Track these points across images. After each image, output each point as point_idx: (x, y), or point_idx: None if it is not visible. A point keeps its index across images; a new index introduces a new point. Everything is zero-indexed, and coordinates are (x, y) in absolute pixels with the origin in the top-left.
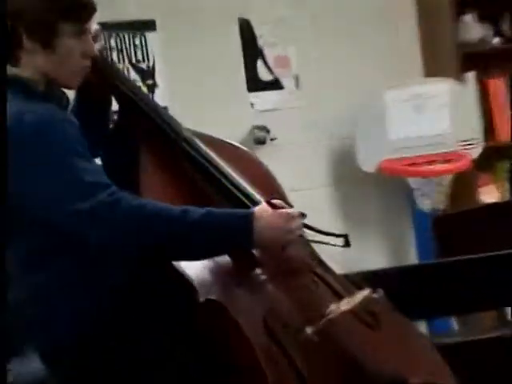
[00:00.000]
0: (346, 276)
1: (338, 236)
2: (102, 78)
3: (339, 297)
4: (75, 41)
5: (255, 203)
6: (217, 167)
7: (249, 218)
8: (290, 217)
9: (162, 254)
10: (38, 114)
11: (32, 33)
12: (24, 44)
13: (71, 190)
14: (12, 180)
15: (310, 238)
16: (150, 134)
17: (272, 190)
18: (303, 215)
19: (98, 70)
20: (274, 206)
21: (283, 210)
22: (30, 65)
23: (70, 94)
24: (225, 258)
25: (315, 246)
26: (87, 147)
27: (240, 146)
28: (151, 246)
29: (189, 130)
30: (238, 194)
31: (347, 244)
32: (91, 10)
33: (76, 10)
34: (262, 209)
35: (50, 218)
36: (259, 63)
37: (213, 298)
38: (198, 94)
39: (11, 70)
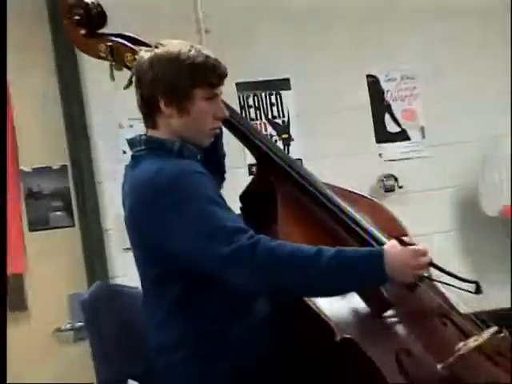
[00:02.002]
0: (471, 315)
1: (469, 282)
2: (238, 137)
3: (467, 335)
4: (207, 104)
5: (383, 245)
6: (348, 215)
7: (380, 253)
8: (419, 253)
9: (297, 291)
10: (175, 167)
11: (169, 99)
12: (162, 110)
13: (214, 236)
14: (149, 230)
15: (439, 279)
16: (287, 187)
17: (399, 234)
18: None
19: (232, 127)
20: (402, 243)
21: (412, 247)
22: (166, 127)
23: None
24: (357, 299)
25: (442, 286)
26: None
27: (367, 195)
28: (289, 283)
29: (322, 182)
30: (367, 238)
31: (479, 291)
32: (223, 76)
33: (210, 77)
34: (391, 245)
35: (193, 262)
36: (387, 116)
37: (349, 336)
38: (330, 147)
39: (150, 133)
